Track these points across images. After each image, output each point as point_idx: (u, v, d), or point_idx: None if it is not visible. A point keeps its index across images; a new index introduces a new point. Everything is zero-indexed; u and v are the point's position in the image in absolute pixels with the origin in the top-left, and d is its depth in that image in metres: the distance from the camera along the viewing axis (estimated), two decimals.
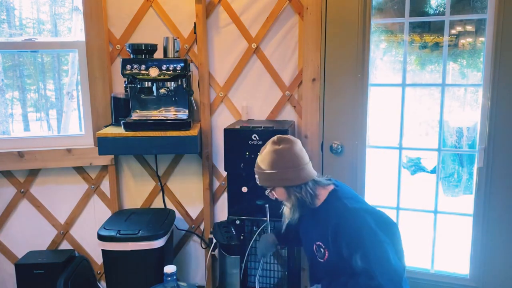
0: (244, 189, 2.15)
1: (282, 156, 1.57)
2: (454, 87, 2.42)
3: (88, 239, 2.62)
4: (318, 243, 1.61)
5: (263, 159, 1.60)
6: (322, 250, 1.59)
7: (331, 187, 1.63)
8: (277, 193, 1.63)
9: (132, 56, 2.27)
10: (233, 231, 2.16)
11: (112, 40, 2.48)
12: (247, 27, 2.41)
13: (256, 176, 1.65)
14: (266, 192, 1.67)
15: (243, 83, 2.48)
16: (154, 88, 2.28)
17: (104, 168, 2.57)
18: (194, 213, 2.65)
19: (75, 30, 3.43)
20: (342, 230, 1.49)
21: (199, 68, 2.45)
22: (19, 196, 2.55)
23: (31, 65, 4.14)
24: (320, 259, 1.61)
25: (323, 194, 1.62)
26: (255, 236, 2.10)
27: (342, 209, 1.53)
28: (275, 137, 1.62)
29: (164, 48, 2.31)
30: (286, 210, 1.65)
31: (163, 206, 2.63)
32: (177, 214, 2.62)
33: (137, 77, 2.19)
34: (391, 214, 2.28)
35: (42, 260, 2.41)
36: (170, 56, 2.30)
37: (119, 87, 2.50)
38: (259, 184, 1.66)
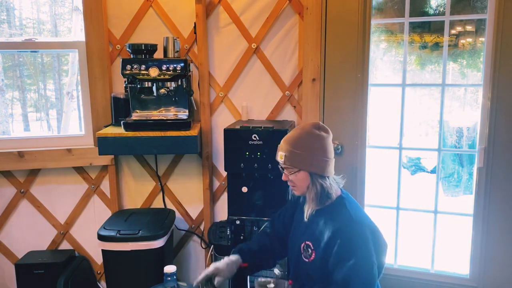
0: (244, 189, 2.15)
1: (319, 142, 1.53)
2: (454, 87, 2.42)
3: (88, 239, 2.62)
4: (308, 242, 1.58)
5: (297, 138, 1.53)
6: (309, 250, 1.56)
7: (339, 192, 1.60)
8: (299, 177, 1.54)
9: (132, 56, 2.27)
10: (229, 231, 2.16)
11: (112, 40, 2.48)
12: (247, 27, 2.41)
13: (282, 153, 1.55)
14: (287, 173, 1.57)
15: (243, 83, 2.48)
16: (154, 88, 2.28)
17: (104, 168, 2.57)
18: (194, 213, 2.65)
19: (75, 30, 3.43)
20: (340, 237, 1.45)
21: (199, 68, 2.45)
22: (19, 196, 2.55)
23: (31, 65, 4.14)
24: (305, 259, 1.58)
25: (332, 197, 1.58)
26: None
27: (347, 219, 1.50)
28: (315, 122, 1.58)
29: (164, 48, 2.31)
30: (307, 196, 1.57)
31: (163, 206, 2.63)
32: (177, 214, 2.62)
33: (137, 77, 2.19)
34: (391, 214, 2.31)
35: (42, 260, 2.41)
36: (170, 56, 2.30)
37: (119, 87, 2.50)
38: (281, 163, 1.56)
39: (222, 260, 1.61)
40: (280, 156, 1.56)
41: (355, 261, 1.40)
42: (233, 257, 1.64)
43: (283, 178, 1.60)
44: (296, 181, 1.56)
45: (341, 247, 1.44)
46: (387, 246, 1.53)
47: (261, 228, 2.06)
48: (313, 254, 1.54)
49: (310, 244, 1.57)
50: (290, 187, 1.62)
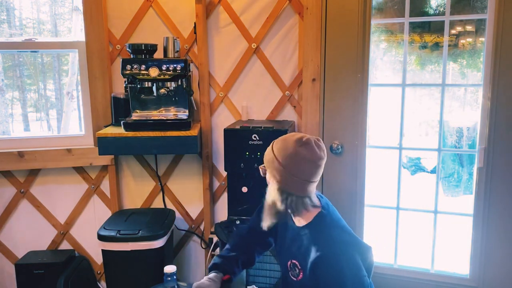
0: (244, 189, 2.15)
1: (300, 161, 1.40)
2: (454, 87, 2.42)
3: (88, 239, 2.62)
4: (294, 261, 1.51)
5: (283, 146, 1.43)
6: (297, 270, 1.50)
7: (318, 209, 1.50)
8: (270, 180, 1.48)
9: (132, 56, 2.27)
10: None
11: (112, 40, 2.48)
12: (247, 27, 2.41)
13: (266, 152, 1.49)
14: (261, 169, 1.53)
15: (243, 83, 2.48)
16: (154, 88, 2.28)
17: (104, 168, 2.57)
18: (194, 213, 2.65)
19: (75, 30, 3.43)
20: (324, 264, 1.38)
21: (199, 68, 2.45)
22: (19, 196, 2.55)
23: (31, 65, 4.14)
24: (293, 277, 1.53)
25: (310, 215, 1.49)
26: None
27: (328, 241, 1.42)
28: (304, 138, 1.43)
29: (164, 48, 2.31)
30: (269, 198, 1.48)
31: (163, 206, 2.63)
32: (177, 214, 2.62)
33: (137, 77, 2.19)
34: (391, 214, 2.31)
35: (42, 260, 2.41)
36: (170, 56, 2.31)
37: (119, 87, 2.50)
38: (261, 161, 1.52)
39: (202, 280, 1.56)
40: (265, 154, 1.51)
41: (344, 283, 1.35)
42: (212, 275, 1.58)
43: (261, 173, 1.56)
44: (268, 182, 1.51)
45: (328, 272, 1.38)
46: (371, 248, 1.48)
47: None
48: (301, 274, 1.49)
49: (296, 263, 1.51)
50: None
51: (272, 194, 1.47)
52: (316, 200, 1.50)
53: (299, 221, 1.52)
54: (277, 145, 1.46)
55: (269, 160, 1.47)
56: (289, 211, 1.48)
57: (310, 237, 1.47)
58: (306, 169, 1.42)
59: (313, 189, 1.48)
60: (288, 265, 1.56)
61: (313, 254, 1.42)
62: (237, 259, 1.68)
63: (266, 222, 1.51)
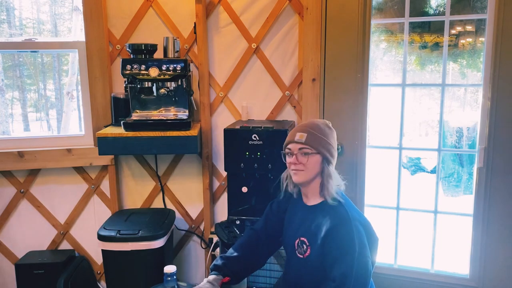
0: (244, 189, 2.15)
1: (332, 134, 1.65)
2: (454, 87, 2.42)
3: (88, 239, 2.62)
4: (303, 238, 1.59)
5: (316, 125, 1.62)
6: (304, 246, 1.57)
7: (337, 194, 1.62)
8: (312, 161, 1.57)
9: (132, 56, 2.27)
10: (236, 230, 2.16)
11: (112, 40, 2.48)
12: (247, 27, 2.41)
13: (304, 133, 1.58)
14: (304, 154, 1.57)
15: (243, 83, 2.48)
16: (154, 88, 2.28)
17: (104, 168, 2.57)
18: (194, 213, 2.65)
19: (75, 30, 3.44)
20: (336, 234, 1.48)
21: (199, 68, 2.45)
22: (19, 196, 2.55)
23: (31, 65, 4.14)
24: (299, 255, 1.59)
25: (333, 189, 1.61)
26: None
27: (343, 216, 1.52)
28: (327, 122, 1.69)
29: (164, 48, 2.31)
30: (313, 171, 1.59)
31: (163, 206, 2.63)
32: (177, 214, 2.62)
33: (137, 77, 2.19)
34: (391, 214, 2.31)
35: (42, 260, 2.41)
36: (170, 56, 2.31)
37: (119, 87, 2.50)
38: (300, 144, 1.57)
39: (202, 283, 1.59)
40: (300, 136, 1.59)
41: (352, 257, 1.43)
42: (211, 277, 1.62)
43: (292, 160, 1.59)
44: (308, 164, 1.57)
45: (338, 244, 1.46)
46: (378, 240, 1.58)
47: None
48: (309, 250, 1.56)
49: (305, 240, 1.58)
50: (292, 172, 1.61)
51: (315, 166, 1.59)
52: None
53: (314, 200, 1.63)
54: (309, 126, 1.63)
55: (316, 140, 1.59)
56: (330, 181, 1.59)
57: (325, 212, 1.56)
58: (334, 140, 1.66)
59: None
60: (296, 243, 1.61)
61: (325, 228, 1.50)
62: (240, 260, 1.69)
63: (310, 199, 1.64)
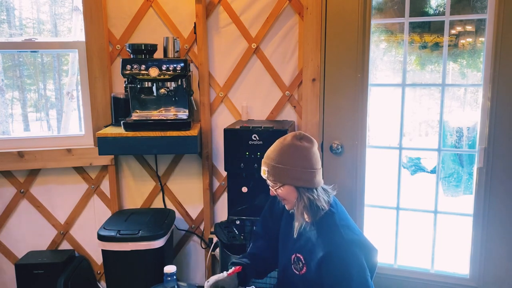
0: (244, 189, 2.15)
1: (302, 153, 1.46)
2: (454, 87, 2.42)
3: (88, 239, 2.62)
4: (299, 255, 1.53)
5: (279, 152, 1.47)
6: (301, 264, 1.53)
7: (328, 205, 1.53)
8: (285, 191, 1.49)
9: (132, 56, 2.27)
10: (236, 231, 2.16)
11: (112, 40, 2.48)
12: (247, 27, 2.41)
13: (265, 168, 1.50)
14: (272, 187, 1.52)
15: (243, 83, 2.48)
16: (154, 88, 2.28)
17: (104, 168, 2.57)
18: (194, 213, 2.65)
19: (75, 30, 3.43)
20: (332, 261, 1.41)
21: (199, 68, 2.45)
22: (19, 196, 2.55)
23: (31, 65, 4.13)
24: (295, 271, 1.55)
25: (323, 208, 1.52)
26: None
27: (338, 239, 1.44)
28: (297, 132, 1.51)
29: (164, 48, 2.31)
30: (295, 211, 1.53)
31: (163, 206, 2.63)
32: (177, 214, 2.62)
33: (137, 77, 2.19)
34: (391, 214, 2.31)
35: (42, 260, 2.41)
36: (170, 56, 2.31)
37: (119, 87, 2.50)
38: (265, 178, 1.51)
39: (220, 274, 1.60)
40: (263, 172, 1.51)
41: (348, 284, 1.37)
42: (230, 271, 1.61)
43: (271, 193, 1.54)
44: (284, 196, 1.50)
45: (336, 270, 1.40)
46: (377, 251, 1.51)
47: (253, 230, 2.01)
48: (304, 268, 1.52)
49: (301, 257, 1.53)
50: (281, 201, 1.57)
51: (291, 195, 1.49)
52: (329, 190, 1.54)
53: (308, 217, 1.53)
54: (272, 154, 1.49)
55: (277, 173, 1.47)
56: (319, 204, 1.48)
57: (318, 234, 1.49)
58: (305, 159, 1.47)
59: (321, 178, 1.51)
60: (292, 258, 1.57)
61: (320, 251, 1.44)
62: (255, 256, 1.72)
63: (298, 226, 1.53)
